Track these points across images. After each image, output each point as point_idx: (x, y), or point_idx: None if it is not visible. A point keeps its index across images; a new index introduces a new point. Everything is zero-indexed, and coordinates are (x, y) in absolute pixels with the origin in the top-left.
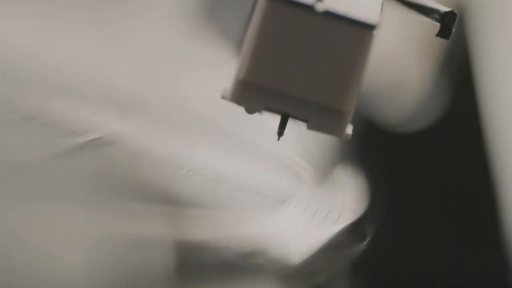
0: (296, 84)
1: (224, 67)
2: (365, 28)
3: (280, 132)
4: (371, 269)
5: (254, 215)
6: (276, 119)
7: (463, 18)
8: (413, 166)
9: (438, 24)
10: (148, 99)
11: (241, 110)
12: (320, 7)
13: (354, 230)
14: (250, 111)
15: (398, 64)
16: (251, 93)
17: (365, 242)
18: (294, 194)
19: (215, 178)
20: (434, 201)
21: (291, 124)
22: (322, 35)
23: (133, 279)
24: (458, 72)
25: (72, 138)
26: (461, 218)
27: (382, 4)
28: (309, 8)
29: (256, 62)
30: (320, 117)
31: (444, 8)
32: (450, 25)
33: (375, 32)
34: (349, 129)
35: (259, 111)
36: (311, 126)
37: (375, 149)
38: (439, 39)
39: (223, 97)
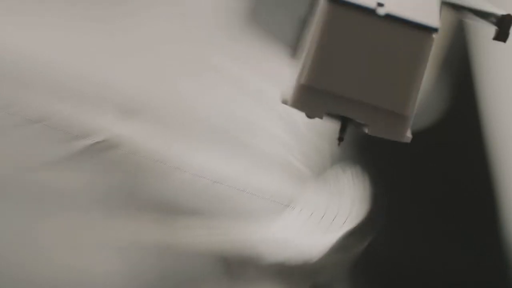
0: (357, 88)
1: (230, 70)
2: (427, 32)
3: (341, 137)
4: (371, 270)
5: (258, 219)
6: (276, 121)
7: None
8: (413, 166)
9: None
10: (150, 102)
11: (242, 114)
12: (382, 10)
13: (356, 232)
14: (311, 116)
15: None
16: (313, 98)
17: (366, 243)
18: (296, 198)
19: (218, 181)
20: (434, 201)
21: (292, 127)
22: (383, 38)
23: (129, 283)
24: (458, 72)
25: (75, 141)
26: (461, 218)
27: (440, 7)
28: (371, 12)
29: (318, 67)
30: (382, 121)
31: (501, 12)
32: (507, 29)
33: (435, 36)
34: (409, 132)
35: (320, 116)
36: (371, 131)
37: (375, 149)
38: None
39: (284, 102)
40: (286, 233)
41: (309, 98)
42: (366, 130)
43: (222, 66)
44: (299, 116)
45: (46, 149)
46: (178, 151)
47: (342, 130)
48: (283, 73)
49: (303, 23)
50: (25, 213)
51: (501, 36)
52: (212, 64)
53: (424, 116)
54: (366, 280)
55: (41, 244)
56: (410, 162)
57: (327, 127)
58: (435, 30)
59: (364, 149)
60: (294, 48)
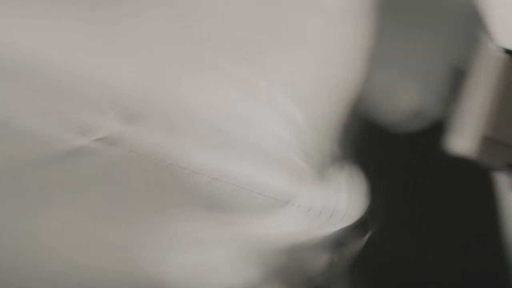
0: None
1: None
2: None
3: None
4: (370, 270)
5: (257, 216)
6: (276, 120)
7: None
8: (412, 165)
9: None
10: (150, 102)
11: (242, 113)
12: None
13: (354, 229)
14: (491, 166)
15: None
16: (494, 150)
17: (364, 242)
18: (296, 195)
19: (218, 179)
20: (434, 201)
21: (292, 126)
22: None
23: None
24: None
25: (76, 139)
26: (461, 217)
27: None
28: None
29: (499, 119)
30: None
31: None
32: None
33: None
34: None
35: (501, 168)
36: None
37: (375, 149)
38: None
39: (467, 154)
40: (285, 229)
41: (491, 149)
42: None
43: (222, 65)
44: (299, 114)
45: (47, 146)
46: (179, 149)
47: None
48: (283, 72)
49: (460, 74)
50: (25, 212)
51: None
52: (212, 64)
53: (423, 117)
54: (365, 279)
55: (41, 240)
56: (410, 162)
57: (327, 125)
58: None
59: (363, 148)
60: (450, 97)
